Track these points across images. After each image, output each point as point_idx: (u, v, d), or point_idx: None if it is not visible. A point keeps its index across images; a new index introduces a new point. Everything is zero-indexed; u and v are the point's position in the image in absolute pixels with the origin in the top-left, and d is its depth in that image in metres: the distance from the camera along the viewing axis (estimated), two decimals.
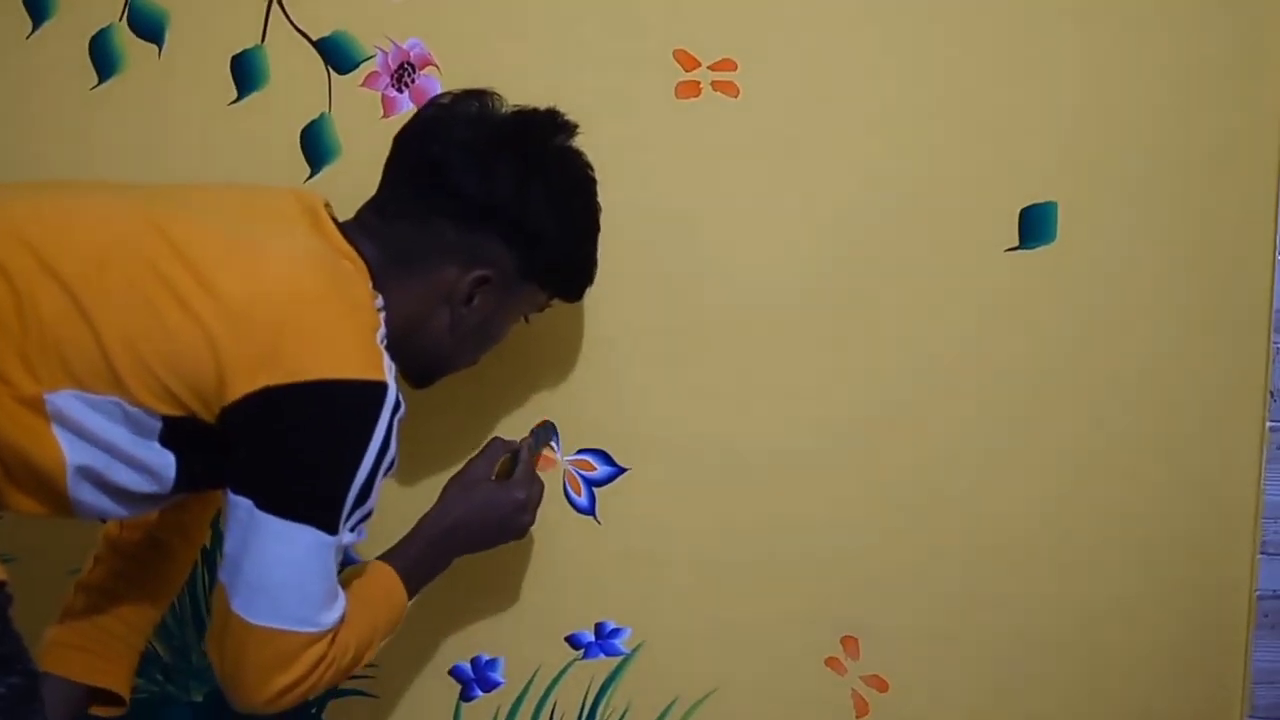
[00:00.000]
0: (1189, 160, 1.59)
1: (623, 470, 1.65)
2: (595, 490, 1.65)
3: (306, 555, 1.21)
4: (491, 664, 1.70)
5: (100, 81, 1.65)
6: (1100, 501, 1.64)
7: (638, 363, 1.63)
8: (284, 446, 1.21)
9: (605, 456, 1.65)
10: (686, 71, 1.59)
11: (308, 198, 1.34)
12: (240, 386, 1.18)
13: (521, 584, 1.65)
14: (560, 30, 1.60)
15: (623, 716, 1.69)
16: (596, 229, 1.46)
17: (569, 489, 1.65)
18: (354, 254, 1.30)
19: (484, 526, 1.48)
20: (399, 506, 1.66)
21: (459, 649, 1.69)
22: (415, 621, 1.67)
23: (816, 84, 1.59)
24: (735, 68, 1.59)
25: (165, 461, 1.23)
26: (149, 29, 1.63)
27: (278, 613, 1.22)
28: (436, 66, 1.61)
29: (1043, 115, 1.58)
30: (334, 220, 1.34)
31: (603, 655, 1.68)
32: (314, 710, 1.71)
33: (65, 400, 1.18)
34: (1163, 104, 1.58)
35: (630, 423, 1.64)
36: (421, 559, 1.43)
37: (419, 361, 1.41)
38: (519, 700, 1.70)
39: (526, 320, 1.50)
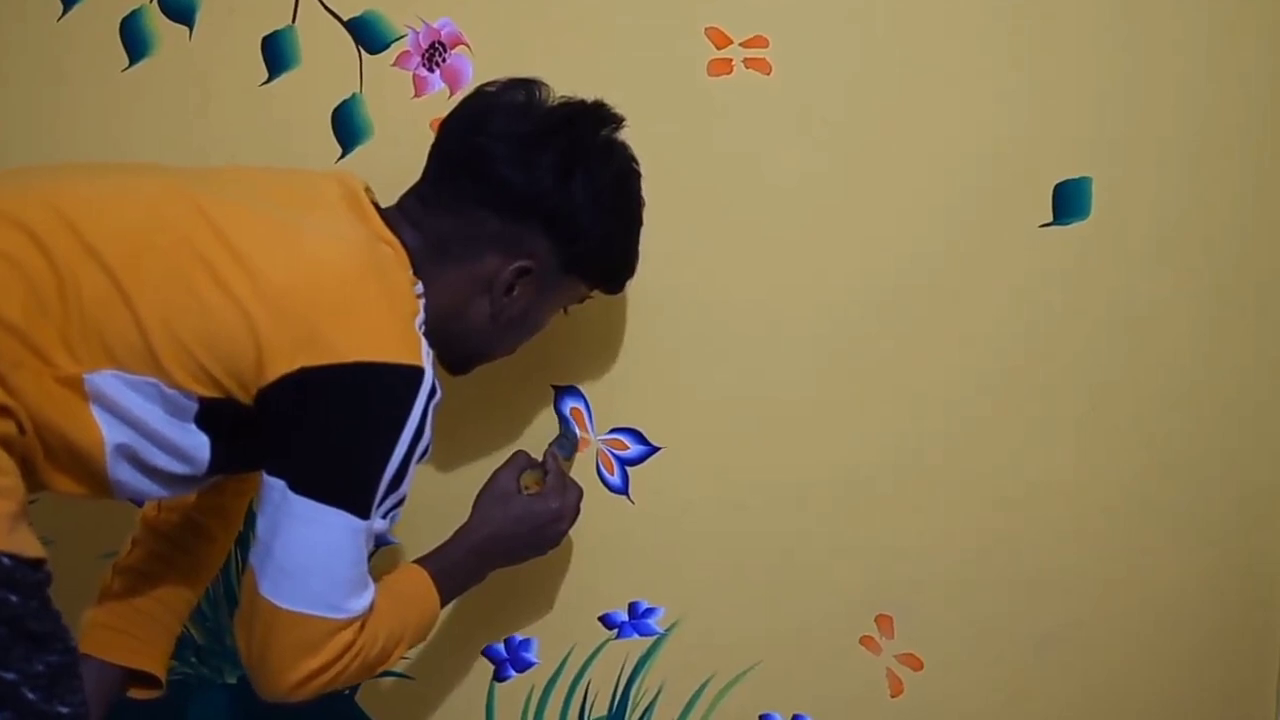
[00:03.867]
0: (1226, 132, 1.57)
1: (656, 449, 1.65)
2: (628, 469, 1.65)
3: (338, 539, 1.21)
4: (525, 644, 1.70)
5: (131, 64, 1.66)
6: (1136, 483, 1.62)
7: (671, 341, 1.63)
8: (319, 427, 1.20)
9: (638, 435, 1.65)
10: (718, 49, 1.58)
11: (349, 181, 1.34)
12: (278, 368, 1.18)
13: (555, 564, 1.65)
14: (591, 8, 1.59)
15: (656, 696, 1.69)
16: (639, 223, 1.46)
17: (602, 468, 1.65)
18: (394, 240, 1.31)
19: (521, 539, 1.48)
20: (432, 492, 1.67)
21: (492, 629, 1.69)
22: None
23: (848, 60, 1.58)
24: (767, 45, 1.58)
25: (199, 443, 1.23)
26: (180, 11, 1.64)
27: (306, 597, 1.21)
28: (467, 45, 1.60)
29: (1077, 90, 1.57)
30: (375, 205, 1.34)
31: (636, 635, 1.68)
32: (348, 691, 1.72)
33: (105, 380, 1.18)
34: (1199, 75, 1.56)
35: (663, 401, 1.64)
36: (457, 566, 1.43)
37: (458, 349, 1.41)
38: (552, 680, 1.70)
39: (565, 311, 1.50)
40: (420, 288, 1.31)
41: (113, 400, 1.18)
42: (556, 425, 1.65)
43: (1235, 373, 1.61)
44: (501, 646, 1.70)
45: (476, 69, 1.59)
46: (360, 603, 1.24)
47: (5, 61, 1.67)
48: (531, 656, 1.70)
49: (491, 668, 1.71)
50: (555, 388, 1.65)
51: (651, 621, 1.68)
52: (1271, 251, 1.59)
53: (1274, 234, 1.59)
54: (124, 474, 1.23)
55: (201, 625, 1.74)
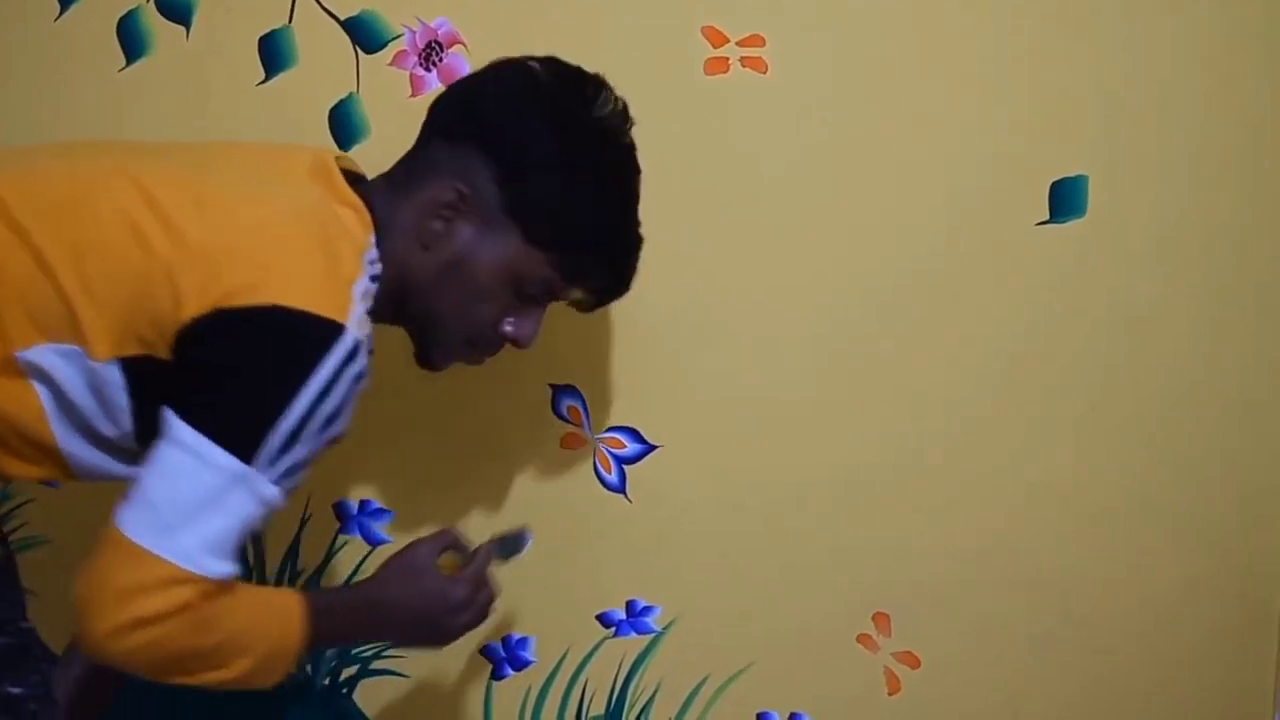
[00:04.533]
0: (1225, 130, 1.57)
1: (654, 448, 1.65)
2: (625, 468, 1.65)
3: (214, 480, 1.13)
4: (522, 643, 1.70)
5: (129, 63, 1.66)
6: (1135, 482, 1.62)
7: (668, 340, 1.63)
8: (223, 364, 1.16)
9: (635, 434, 1.65)
10: (715, 48, 1.58)
11: (323, 155, 1.32)
12: (193, 308, 1.15)
13: (552, 562, 1.65)
14: (588, 7, 1.59)
15: (654, 694, 1.69)
16: (623, 215, 1.37)
17: (599, 467, 1.65)
18: (358, 204, 1.27)
19: (415, 617, 1.34)
20: (427, 495, 1.67)
21: (490, 628, 1.68)
22: None
23: (845, 59, 1.58)
24: (764, 43, 1.58)
25: (124, 406, 1.20)
26: (177, 10, 1.64)
27: (161, 534, 1.12)
28: (464, 45, 1.60)
29: (1075, 87, 1.56)
30: (354, 175, 1.33)
31: (634, 633, 1.68)
32: (345, 690, 1.72)
33: (39, 355, 1.18)
34: (1198, 73, 1.56)
35: (661, 400, 1.64)
36: (337, 614, 1.30)
37: (418, 323, 1.35)
38: (550, 679, 1.70)
39: (539, 301, 1.37)
40: (373, 255, 1.26)
41: (47, 372, 1.18)
42: (553, 423, 1.65)
43: (1235, 372, 1.61)
44: (499, 645, 1.70)
45: (473, 68, 1.59)
46: (216, 566, 1.13)
47: (3, 61, 1.67)
48: (529, 655, 1.70)
49: (489, 666, 1.71)
50: (553, 386, 1.65)
51: (649, 620, 1.68)
52: (1271, 250, 1.59)
53: (1273, 232, 1.59)
54: (74, 445, 1.22)
55: None
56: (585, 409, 1.65)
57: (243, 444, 1.14)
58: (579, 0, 1.59)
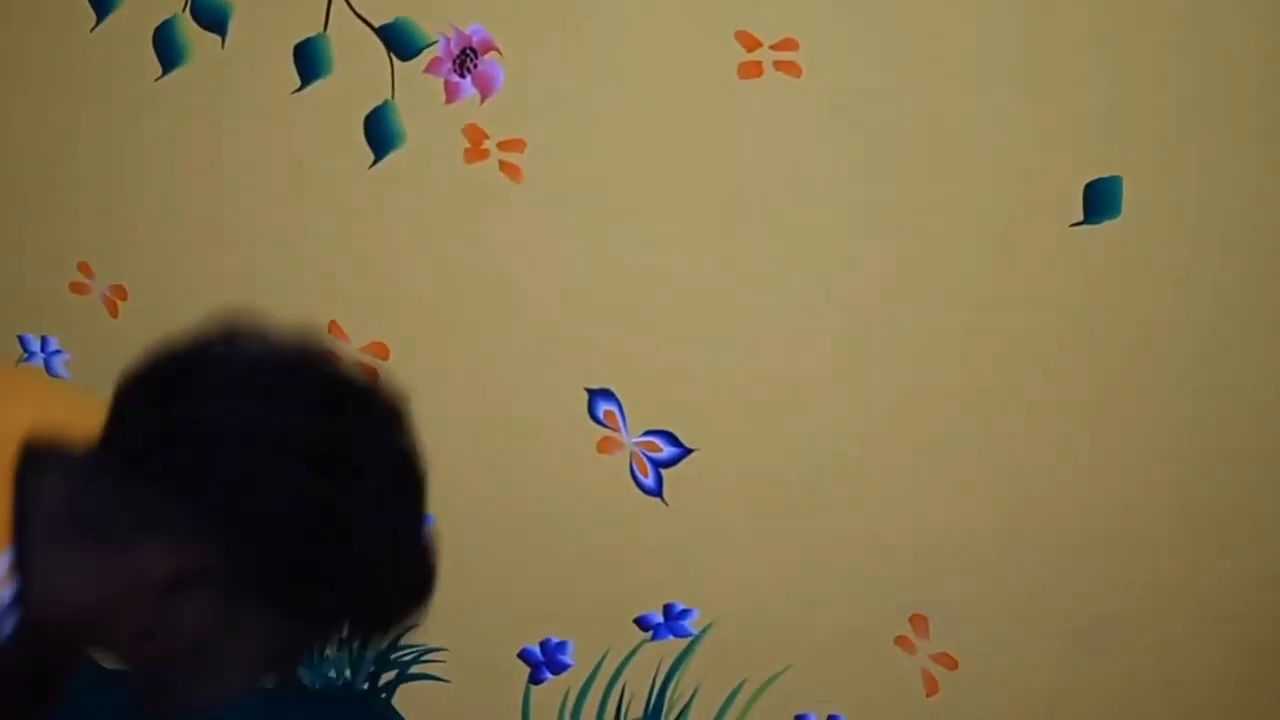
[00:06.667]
0: (1260, 132, 1.56)
1: (689, 451, 1.65)
2: (662, 471, 1.65)
3: None
4: (561, 646, 1.70)
5: (164, 73, 1.67)
6: (1170, 479, 1.62)
7: (704, 344, 1.63)
8: None
9: (672, 438, 1.65)
10: (748, 52, 1.59)
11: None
12: None
13: (590, 566, 1.66)
14: (621, 12, 1.59)
15: (692, 697, 1.69)
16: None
17: (636, 470, 1.66)
18: None
19: None
20: (462, 499, 1.68)
21: (528, 632, 1.70)
22: (483, 605, 1.69)
23: (879, 61, 1.58)
24: (797, 47, 1.58)
25: None
26: (212, 20, 1.65)
27: None
28: (499, 51, 1.61)
29: (1109, 89, 1.56)
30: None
31: (672, 637, 1.69)
32: (384, 695, 1.72)
33: None
34: (1231, 74, 1.56)
35: (697, 404, 1.64)
36: None
37: None
38: (588, 682, 1.70)
39: None
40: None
41: None
42: (589, 428, 1.66)
43: (1270, 369, 1.60)
44: (537, 649, 1.71)
45: (508, 74, 1.60)
46: None
47: (40, 71, 1.68)
48: (567, 659, 1.70)
49: (528, 670, 1.71)
50: (589, 391, 1.65)
51: (686, 623, 1.68)
52: None
53: None
54: None
55: None
56: (622, 413, 1.65)
57: None
58: (613, 6, 1.59)
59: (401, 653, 1.72)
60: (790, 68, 1.59)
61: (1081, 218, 1.59)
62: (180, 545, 0.87)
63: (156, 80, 1.66)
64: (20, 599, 0.97)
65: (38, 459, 0.98)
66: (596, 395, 1.65)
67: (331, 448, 0.89)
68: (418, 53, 1.62)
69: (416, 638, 1.71)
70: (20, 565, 0.97)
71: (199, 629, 0.90)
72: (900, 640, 1.67)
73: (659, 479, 1.66)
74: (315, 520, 0.88)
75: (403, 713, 1.73)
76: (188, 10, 1.65)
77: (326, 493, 0.88)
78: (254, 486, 0.87)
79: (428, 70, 1.62)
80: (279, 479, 0.87)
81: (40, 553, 0.92)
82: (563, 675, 1.71)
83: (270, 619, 0.92)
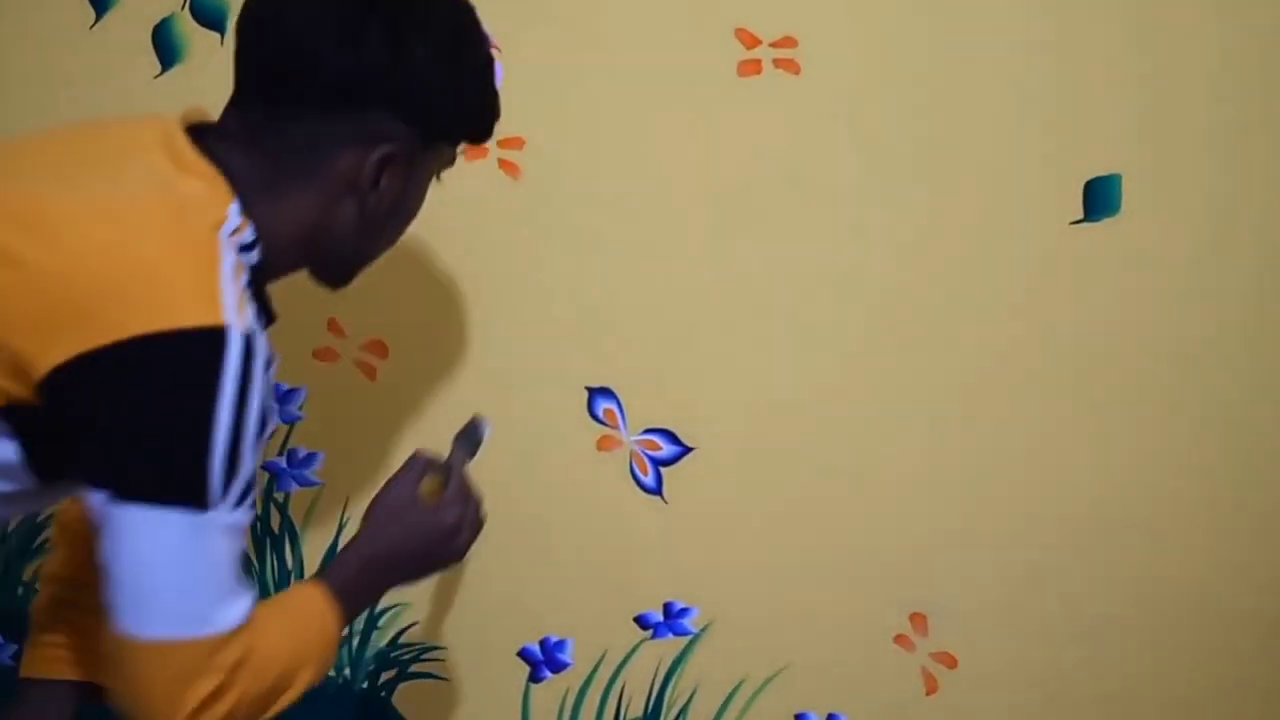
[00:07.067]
0: (1260, 128, 1.57)
1: (689, 449, 1.65)
2: (662, 470, 1.65)
3: (181, 541, 1.04)
4: (560, 645, 1.70)
5: (163, 71, 1.66)
6: (1170, 477, 1.62)
7: (703, 342, 1.63)
8: (119, 420, 1.03)
9: (671, 436, 1.65)
10: (748, 49, 1.59)
11: (168, 121, 1.18)
12: (49, 358, 1.02)
13: (589, 565, 1.66)
14: (620, 9, 1.59)
15: (692, 696, 1.69)
16: (490, 62, 1.26)
17: (635, 469, 1.65)
18: (212, 174, 1.13)
19: (418, 555, 1.27)
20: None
21: (527, 630, 1.69)
22: (483, 603, 1.69)
23: (878, 59, 1.58)
24: (796, 45, 1.58)
25: (10, 458, 1.08)
26: (211, 17, 1.64)
27: (166, 618, 1.05)
28: (497, 49, 1.59)
29: (1108, 85, 1.57)
30: (201, 128, 1.19)
31: (671, 635, 1.69)
32: (383, 694, 1.72)
33: None
34: (1233, 70, 1.56)
35: (696, 402, 1.64)
36: (353, 584, 1.24)
37: (334, 263, 1.26)
38: (588, 681, 1.70)
39: (439, 179, 1.30)
40: (234, 224, 1.12)
41: None
42: (589, 426, 1.65)
43: (1271, 366, 1.60)
44: (536, 648, 1.70)
45: (506, 72, 1.59)
46: (233, 612, 1.07)
47: (39, 69, 1.68)
48: (566, 658, 1.70)
49: (527, 669, 1.71)
50: (589, 389, 1.65)
51: (686, 622, 1.68)
52: None
53: None
54: None
55: None
56: (621, 411, 1.65)
57: (188, 495, 1.04)
58: (612, 3, 1.60)
59: (401, 651, 1.71)
60: (790, 65, 1.59)
61: (1081, 215, 1.59)
62: (367, 145, 1.17)
63: (155, 78, 1.66)
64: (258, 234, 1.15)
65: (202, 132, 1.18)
66: (596, 394, 1.65)
67: (432, 20, 1.19)
68: None
69: (416, 636, 1.70)
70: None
71: (399, 186, 1.22)
72: (900, 639, 1.67)
73: (659, 477, 1.65)
74: (451, 77, 1.20)
75: (402, 712, 1.73)
76: (186, 8, 1.64)
77: (447, 54, 1.19)
78: (415, 81, 1.17)
79: None
80: (427, 65, 1.17)
81: (261, 198, 1.15)
82: (562, 674, 1.70)
83: (434, 157, 1.24)
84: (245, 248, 1.13)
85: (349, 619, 1.23)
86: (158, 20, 1.65)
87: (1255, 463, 1.62)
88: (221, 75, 1.64)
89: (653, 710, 1.69)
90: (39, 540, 1.75)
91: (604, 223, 1.60)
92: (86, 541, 1.24)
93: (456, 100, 1.22)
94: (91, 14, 1.66)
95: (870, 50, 1.58)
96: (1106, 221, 1.59)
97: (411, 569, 1.29)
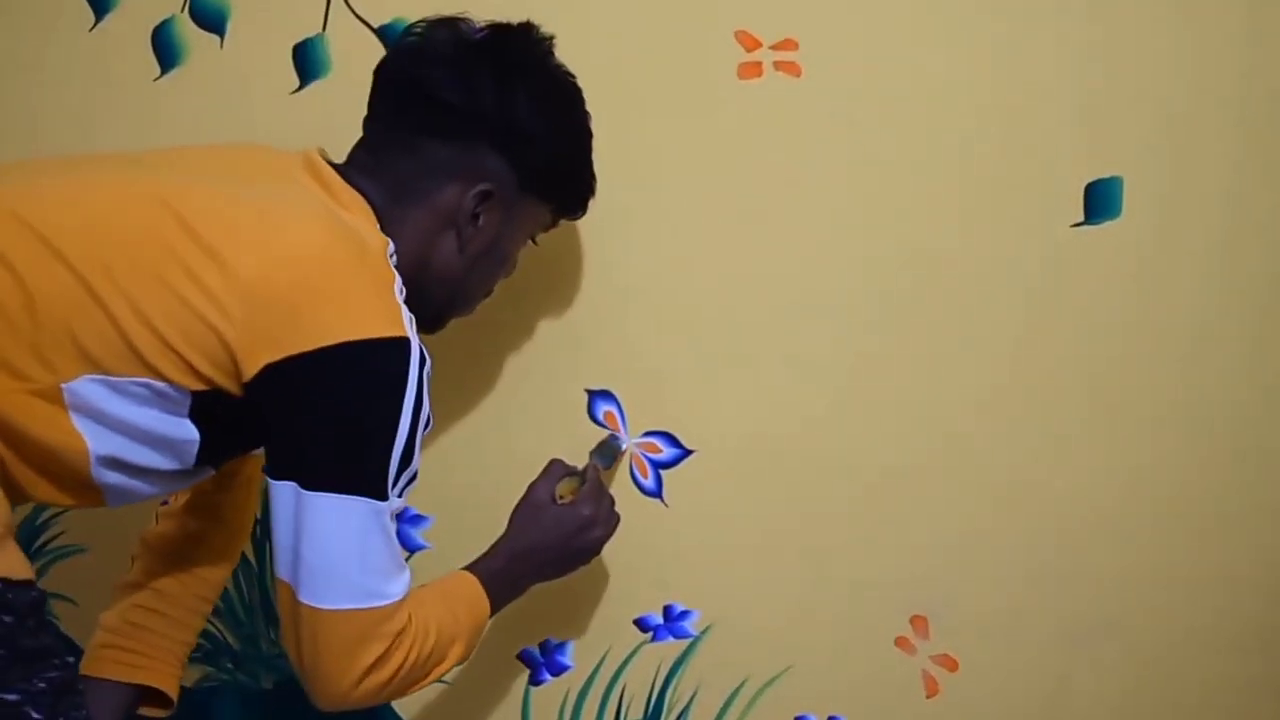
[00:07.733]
0: (1262, 131, 1.56)
1: (689, 452, 1.65)
2: (662, 473, 1.65)
3: (362, 525, 1.19)
4: (560, 648, 1.70)
5: (162, 73, 1.67)
6: (1172, 480, 1.62)
7: (703, 344, 1.63)
8: (318, 418, 1.18)
9: (672, 439, 1.65)
10: (748, 52, 1.58)
11: (309, 153, 1.31)
12: (259, 358, 1.15)
13: (589, 567, 1.64)
14: (620, 11, 1.59)
15: (692, 699, 1.69)
16: (588, 133, 1.43)
17: (635, 471, 1.65)
18: (358, 200, 1.27)
19: (554, 548, 1.45)
20: (462, 498, 1.68)
21: (527, 633, 1.70)
22: None
23: (879, 62, 1.58)
24: (797, 47, 1.58)
25: (190, 437, 1.20)
26: (210, 20, 1.64)
27: (346, 591, 1.19)
28: None
29: (1110, 88, 1.56)
30: (332, 164, 1.31)
31: (671, 638, 1.68)
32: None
33: (85, 387, 1.14)
34: (1234, 74, 1.55)
35: (697, 404, 1.64)
36: (501, 574, 1.40)
37: (432, 300, 1.36)
38: (588, 684, 1.70)
39: (534, 242, 1.46)
40: (392, 247, 1.26)
41: (95, 407, 1.16)
42: (590, 428, 1.65)
43: (1275, 368, 1.60)
44: (536, 650, 1.70)
45: None
46: (398, 585, 1.23)
47: (38, 70, 1.68)
48: (566, 660, 1.70)
49: (527, 671, 1.71)
50: (589, 391, 1.65)
51: (686, 624, 1.68)
52: None
53: None
54: (110, 478, 1.21)
55: (237, 632, 1.75)
56: (621, 413, 1.65)
57: (372, 487, 1.19)
58: (612, 5, 1.59)
59: None
60: (790, 68, 1.58)
61: (1082, 218, 1.58)
62: (469, 179, 1.32)
63: (155, 80, 1.66)
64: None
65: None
66: (596, 396, 1.65)
67: (542, 73, 1.37)
68: None
69: None
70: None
71: (496, 227, 1.36)
72: (900, 641, 1.67)
73: (659, 480, 1.65)
74: (553, 130, 1.36)
75: (402, 713, 1.74)
76: (186, 10, 1.64)
77: (552, 109, 1.36)
78: (522, 124, 1.33)
79: None
80: (527, 109, 1.33)
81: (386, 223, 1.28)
82: (562, 677, 1.71)
83: (532, 208, 1.39)
84: (396, 268, 1.26)
85: (497, 606, 1.39)
86: (158, 22, 1.65)
87: (1258, 467, 1.62)
88: (220, 77, 1.65)
89: (653, 713, 1.69)
90: (39, 541, 1.75)
91: (603, 224, 1.60)
92: (165, 558, 1.50)
93: (553, 153, 1.37)
94: (91, 15, 1.66)
95: (871, 53, 1.58)
96: (1107, 224, 1.58)
97: (553, 560, 1.46)
